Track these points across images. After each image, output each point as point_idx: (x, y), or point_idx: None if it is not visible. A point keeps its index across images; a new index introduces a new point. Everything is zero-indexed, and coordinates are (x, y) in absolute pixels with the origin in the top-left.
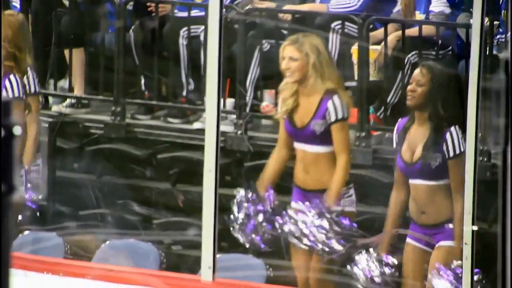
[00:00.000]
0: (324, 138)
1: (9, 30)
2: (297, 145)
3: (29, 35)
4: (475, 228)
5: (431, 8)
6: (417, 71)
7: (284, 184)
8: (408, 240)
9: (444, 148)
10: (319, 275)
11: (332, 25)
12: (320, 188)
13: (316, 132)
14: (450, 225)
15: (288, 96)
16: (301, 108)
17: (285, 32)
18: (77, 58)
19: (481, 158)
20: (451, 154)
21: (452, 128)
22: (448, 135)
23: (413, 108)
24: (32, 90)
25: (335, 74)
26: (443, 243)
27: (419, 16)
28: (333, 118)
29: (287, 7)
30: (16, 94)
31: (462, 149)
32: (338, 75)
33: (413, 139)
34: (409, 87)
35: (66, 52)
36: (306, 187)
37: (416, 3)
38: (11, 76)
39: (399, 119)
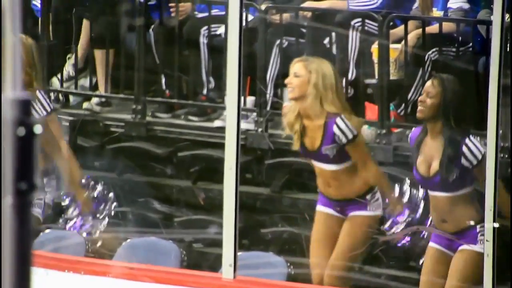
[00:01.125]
0: (340, 157)
1: (28, 55)
2: (314, 163)
3: (37, 59)
4: (497, 225)
5: (449, 5)
6: (428, 83)
7: (304, 182)
8: (431, 244)
9: (464, 160)
10: (337, 272)
11: (352, 22)
12: (343, 198)
13: (330, 156)
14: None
15: (293, 120)
16: (309, 131)
17: (304, 30)
18: (103, 57)
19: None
20: (475, 163)
21: (467, 140)
22: (465, 148)
23: (424, 119)
24: (48, 109)
25: (339, 101)
26: (466, 246)
27: (436, 13)
28: (344, 141)
29: (307, 4)
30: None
31: (483, 153)
32: (343, 104)
33: (428, 152)
34: (419, 98)
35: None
36: (330, 197)
37: (434, 0)
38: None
39: (413, 129)
